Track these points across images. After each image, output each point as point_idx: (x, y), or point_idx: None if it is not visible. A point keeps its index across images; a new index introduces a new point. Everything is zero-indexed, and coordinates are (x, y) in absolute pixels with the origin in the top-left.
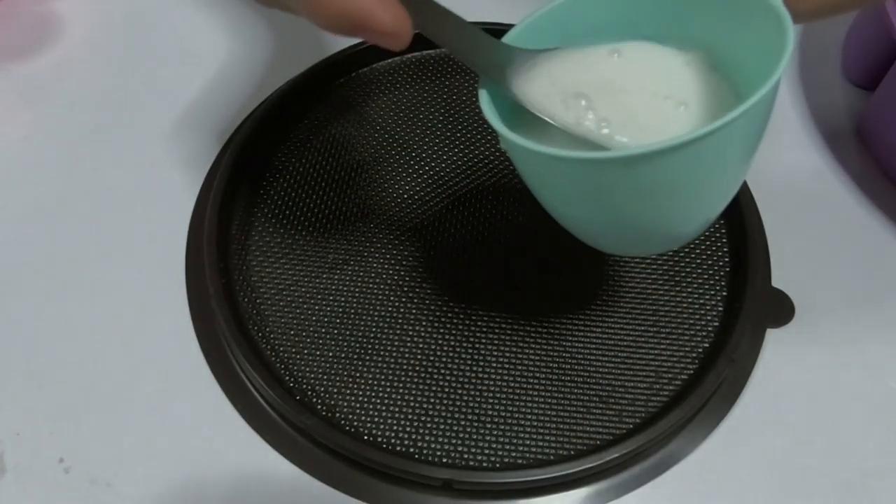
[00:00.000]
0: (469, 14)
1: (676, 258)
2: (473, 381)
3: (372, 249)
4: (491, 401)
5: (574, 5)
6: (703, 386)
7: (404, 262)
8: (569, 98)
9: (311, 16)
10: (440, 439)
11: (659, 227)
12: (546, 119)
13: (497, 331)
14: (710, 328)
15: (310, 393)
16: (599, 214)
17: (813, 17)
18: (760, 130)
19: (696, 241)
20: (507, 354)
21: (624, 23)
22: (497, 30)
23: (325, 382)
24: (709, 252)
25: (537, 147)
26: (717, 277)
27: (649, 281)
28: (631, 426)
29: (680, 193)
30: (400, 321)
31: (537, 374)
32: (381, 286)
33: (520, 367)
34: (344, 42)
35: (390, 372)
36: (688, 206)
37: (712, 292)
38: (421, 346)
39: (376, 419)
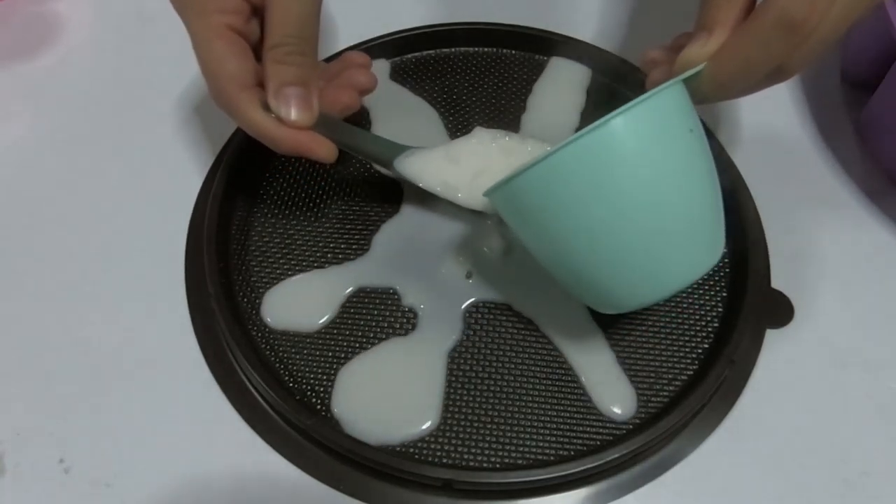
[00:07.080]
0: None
1: None
2: (474, 380)
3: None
4: (491, 401)
5: None
6: (703, 386)
7: None
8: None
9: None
10: (440, 439)
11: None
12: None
13: (498, 330)
14: (710, 328)
15: (310, 393)
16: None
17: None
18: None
19: None
20: (508, 354)
21: None
22: (493, 29)
23: (325, 382)
24: None
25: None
26: (716, 278)
27: None
28: (631, 426)
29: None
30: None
31: (538, 374)
32: (381, 286)
33: (520, 367)
34: (344, 42)
35: None
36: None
37: (712, 293)
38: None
39: None
